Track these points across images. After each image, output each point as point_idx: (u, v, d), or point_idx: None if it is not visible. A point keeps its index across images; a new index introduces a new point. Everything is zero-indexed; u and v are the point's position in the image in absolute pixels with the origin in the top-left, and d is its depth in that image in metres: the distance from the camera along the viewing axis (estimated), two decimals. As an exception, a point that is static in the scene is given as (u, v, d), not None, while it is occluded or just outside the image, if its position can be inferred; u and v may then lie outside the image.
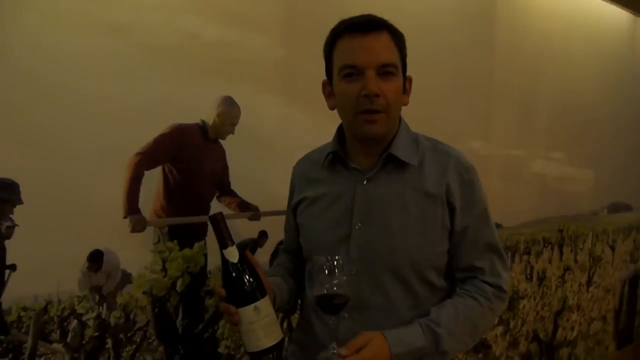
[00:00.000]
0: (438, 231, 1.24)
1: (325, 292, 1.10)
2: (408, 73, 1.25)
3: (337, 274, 1.10)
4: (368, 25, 1.19)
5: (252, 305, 1.11)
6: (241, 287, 1.13)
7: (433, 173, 1.24)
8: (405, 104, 1.27)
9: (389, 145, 1.25)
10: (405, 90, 1.26)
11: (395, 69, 1.19)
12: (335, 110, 1.27)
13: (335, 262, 1.10)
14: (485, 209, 1.28)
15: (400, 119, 1.28)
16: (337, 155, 1.30)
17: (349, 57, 1.18)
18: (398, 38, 1.22)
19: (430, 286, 1.26)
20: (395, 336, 1.14)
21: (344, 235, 1.25)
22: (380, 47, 1.18)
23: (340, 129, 1.32)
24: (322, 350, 1.18)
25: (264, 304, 1.12)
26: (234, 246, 1.14)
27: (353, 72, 1.18)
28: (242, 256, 1.15)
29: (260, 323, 1.11)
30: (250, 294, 1.12)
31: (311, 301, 1.17)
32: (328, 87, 1.27)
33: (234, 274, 1.13)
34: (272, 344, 1.12)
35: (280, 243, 1.94)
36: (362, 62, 1.17)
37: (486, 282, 1.26)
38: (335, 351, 1.11)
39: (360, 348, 1.09)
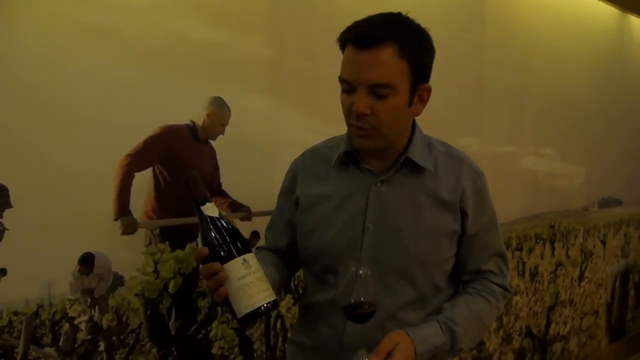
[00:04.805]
0: (449, 236, 1.25)
1: (353, 300, 1.09)
2: None
3: (367, 282, 1.10)
4: (370, 39, 1.11)
5: (241, 257, 0.99)
6: (225, 240, 1.01)
7: (447, 179, 1.25)
8: (417, 114, 1.23)
9: (406, 149, 1.24)
10: (421, 99, 1.20)
11: (389, 90, 1.12)
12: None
13: (362, 272, 1.09)
14: (494, 214, 1.33)
15: (413, 123, 1.27)
16: (349, 155, 1.27)
17: (344, 71, 1.15)
18: (408, 48, 1.13)
19: (437, 289, 1.28)
20: (419, 336, 1.17)
21: (355, 237, 1.24)
22: (374, 66, 1.11)
23: None
24: (326, 352, 1.17)
25: (253, 258, 1.02)
26: (212, 203, 1.05)
27: (347, 87, 1.15)
28: (221, 214, 1.05)
29: (252, 277, 0.99)
30: (236, 247, 1.01)
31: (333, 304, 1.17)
32: None
33: (215, 229, 1.02)
34: (267, 301, 1.00)
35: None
36: (353, 80, 1.13)
37: (495, 283, 1.32)
38: (365, 358, 1.10)
39: (390, 352, 1.10)
